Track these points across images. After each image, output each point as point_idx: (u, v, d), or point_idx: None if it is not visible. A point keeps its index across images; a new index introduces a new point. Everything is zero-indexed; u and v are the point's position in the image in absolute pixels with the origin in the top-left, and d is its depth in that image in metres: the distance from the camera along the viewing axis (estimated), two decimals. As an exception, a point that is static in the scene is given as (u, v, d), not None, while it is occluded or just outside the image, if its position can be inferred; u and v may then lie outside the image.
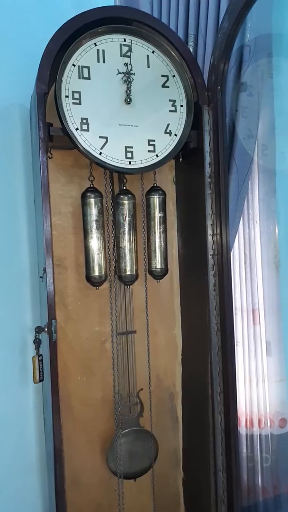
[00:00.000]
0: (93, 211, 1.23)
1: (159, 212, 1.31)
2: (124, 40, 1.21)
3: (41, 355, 1.18)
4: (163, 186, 1.36)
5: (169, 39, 1.24)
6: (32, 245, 1.45)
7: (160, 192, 1.31)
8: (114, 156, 1.19)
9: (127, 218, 1.26)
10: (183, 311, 1.48)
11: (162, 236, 1.31)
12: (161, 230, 1.31)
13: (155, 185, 1.33)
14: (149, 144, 1.23)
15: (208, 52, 1.39)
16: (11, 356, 1.42)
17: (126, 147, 1.21)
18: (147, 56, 1.23)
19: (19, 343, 1.43)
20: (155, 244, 1.30)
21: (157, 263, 1.30)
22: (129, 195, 1.27)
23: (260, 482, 1.58)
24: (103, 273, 1.25)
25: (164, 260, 1.31)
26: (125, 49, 1.21)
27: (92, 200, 1.23)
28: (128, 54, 1.21)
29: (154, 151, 1.23)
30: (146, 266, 1.34)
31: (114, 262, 1.30)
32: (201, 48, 1.46)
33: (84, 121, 1.16)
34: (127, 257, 1.26)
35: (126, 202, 1.26)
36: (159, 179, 1.38)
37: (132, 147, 1.21)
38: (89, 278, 1.25)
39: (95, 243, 1.23)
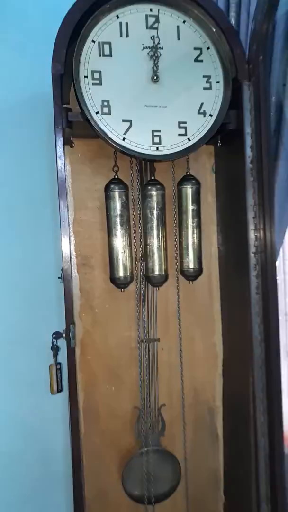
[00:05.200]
0: (117, 205, 1.10)
1: (192, 205, 1.15)
2: (151, 10, 1.07)
3: (59, 363, 1.08)
4: (201, 176, 1.21)
5: (202, 5, 1.08)
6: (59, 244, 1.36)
7: (194, 181, 1.16)
8: (139, 142, 1.06)
9: (155, 212, 1.12)
10: (224, 316, 1.32)
11: (195, 232, 1.15)
12: (194, 224, 1.15)
13: (188, 173, 1.17)
14: (179, 127, 1.08)
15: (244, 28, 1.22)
16: (38, 362, 1.34)
17: (153, 131, 1.07)
18: (177, 27, 1.08)
19: (46, 348, 1.35)
20: (187, 240, 1.15)
21: (190, 262, 1.15)
22: (158, 186, 1.13)
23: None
24: (128, 274, 1.12)
25: (198, 259, 1.16)
26: (151, 20, 1.07)
27: (116, 193, 1.10)
28: (155, 26, 1.07)
29: (185, 134, 1.08)
30: (177, 266, 1.19)
31: (141, 261, 1.17)
32: (244, 19, 1.29)
33: (105, 103, 1.04)
34: (155, 255, 1.13)
35: (154, 193, 1.12)
36: (196, 167, 1.22)
37: (160, 131, 1.07)
38: (113, 279, 1.13)
39: (119, 240, 1.11)
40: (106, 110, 1.04)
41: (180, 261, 1.17)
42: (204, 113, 1.09)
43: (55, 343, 1.06)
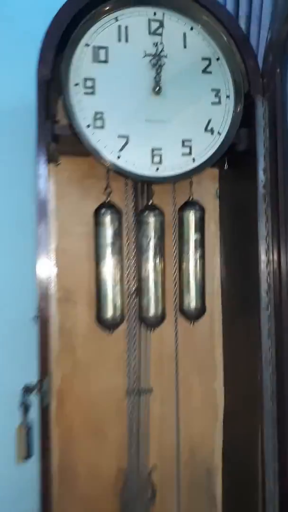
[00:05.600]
0: (108, 232, 0.95)
1: (196, 233, 1.00)
2: (154, 14, 0.94)
3: (29, 425, 0.88)
4: (203, 201, 1.06)
5: (212, 11, 0.95)
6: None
7: (197, 207, 1.01)
8: (136, 161, 0.92)
9: (152, 241, 0.97)
10: (227, 362, 1.15)
11: (198, 265, 1.00)
12: (198, 256, 1.00)
13: (191, 199, 1.03)
14: (183, 145, 0.94)
15: (264, 36, 1.10)
16: (9, 421, 1.10)
17: (153, 149, 0.93)
18: (184, 34, 0.96)
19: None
20: (188, 275, 0.99)
21: (192, 300, 0.99)
22: (156, 211, 0.98)
23: None
24: (118, 314, 0.95)
25: (201, 295, 1.00)
26: (154, 25, 0.94)
27: (108, 219, 0.95)
28: (159, 31, 0.94)
29: (190, 153, 0.94)
30: (177, 303, 1.03)
31: (135, 297, 1.01)
32: (255, 32, 1.17)
33: (99, 115, 0.90)
34: (151, 291, 0.97)
35: (151, 220, 0.97)
36: (198, 192, 1.08)
37: (160, 149, 0.93)
38: (101, 319, 0.96)
39: (109, 273, 0.95)
40: (99, 123, 0.90)
41: (180, 299, 1.02)
42: (211, 131, 0.96)
43: (25, 399, 0.86)
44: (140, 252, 0.98)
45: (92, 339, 1.06)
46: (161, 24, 0.94)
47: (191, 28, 0.96)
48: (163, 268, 0.98)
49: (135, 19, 0.93)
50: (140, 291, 0.98)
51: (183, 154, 0.94)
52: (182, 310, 1.01)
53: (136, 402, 1.04)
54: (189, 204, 1.02)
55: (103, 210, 0.95)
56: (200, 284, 1.00)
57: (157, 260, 0.97)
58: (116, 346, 1.05)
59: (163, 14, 0.94)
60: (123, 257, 0.98)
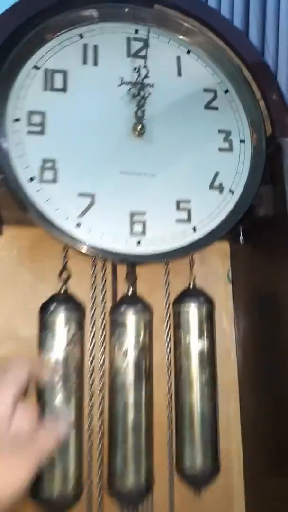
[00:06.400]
0: (60, 341, 0.60)
1: (201, 340, 0.65)
2: (136, 31, 0.68)
3: None
4: (210, 288, 0.72)
5: (216, 29, 0.69)
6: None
7: (202, 298, 0.67)
8: (107, 230, 0.59)
9: (131, 354, 0.61)
10: None
11: (206, 393, 0.63)
12: (205, 378, 0.64)
13: (192, 286, 0.69)
14: (178, 208, 0.63)
15: (283, 64, 0.83)
16: None
17: (132, 214, 0.61)
18: (178, 58, 0.68)
19: None
20: (190, 411, 0.62)
21: (196, 455, 0.61)
22: (139, 306, 0.63)
23: None
24: (71, 486, 0.56)
25: (211, 447, 0.62)
26: (136, 45, 0.67)
27: (60, 319, 0.60)
28: (142, 53, 0.67)
29: (188, 220, 0.62)
30: (172, 462, 0.64)
31: (100, 458, 0.62)
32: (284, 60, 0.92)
33: (49, 164, 0.59)
34: (129, 443, 0.58)
35: (131, 319, 0.62)
36: (202, 273, 0.75)
37: (144, 213, 0.61)
38: (40, 498, 0.56)
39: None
40: (49, 175, 0.59)
41: (177, 453, 0.63)
42: (220, 188, 0.65)
43: None
44: (113, 373, 0.62)
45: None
46: (146, 44, 0.67)
47: (188, 51, 0.69)
48: (148, 399, 0.61)
49: (108, 36, 0.66)
50: (111, 444, 0.60)
51: (179, 221, 0.62)
52: (180, 471, 0.63)
53: None
54: (190, 294, 0.67)
55: (52, 306, 0.61)
56: (209, 427, 0.62)
57: (140, 387, 0.61)
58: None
59: (148, 31, 0.67)
60: (83, 382, 0.62)
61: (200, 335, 0.65)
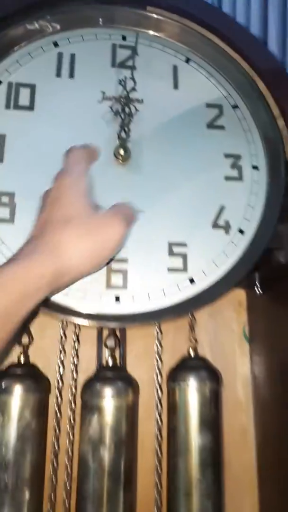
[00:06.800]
0: (10, 431, 0.45)
1: (202, 433, 0.48)
2: (123, 38, 0.56)
3: None
4: (220, 348, 0.57)
5: (225, 34, 0.56)
6: None
7: (205, 371, 0.51)
8: (74, 284, 0.45)
9: (106, 449, 0.45)
10: None
11: (206, 505, 0.46)
12: (206, 485, 0.47)
13: (193, 352, 0.53)
14: (171, 253, 0.48)
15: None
16: None
17: (109, 262, 0.47)
18: (174, 67, 0.56)
19: None
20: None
21: None
22: (119, 384, 0.48)
23: None
24: None
25: None
26: (123, 53, 0.55)
27: (14, 401, 0.46)
28: (129, 62, 0.54)
29: (184, 269, 0.48)
30: None
31: None
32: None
33: (4, 199, 0.47)
34: None
35: (108, 403, 0.47)
36: (211, 328, 0.60)
37: (125, 260, 0.47)
38: None
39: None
40: (4, 213, 0.47)
41: None
42: (226, 227, 0.50)
43: None
44: (81, 475, 0.46)
45: None
46: (134, 52, 0.55)
47: (187, 60, 0.56)
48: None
49: (89, 44, 0.55)
50: None
51: (171, 270, 0.48)
52: None
53: None
54: (189, 366, 0.52)
55: (5, 382, 0.46)
56: None
57: (117, 497, 0.45)
58: None
59: (137, 36, 0.55)
60: (41, 491, 0.46)
61: (202, 425, 0.48)
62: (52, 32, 0.54)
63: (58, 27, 0.54)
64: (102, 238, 0.37)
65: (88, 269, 0.37)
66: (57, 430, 0.50)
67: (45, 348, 0.52)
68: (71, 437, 0.50)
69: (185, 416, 0.48)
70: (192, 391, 0.49)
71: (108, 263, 0.43)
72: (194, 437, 0.47)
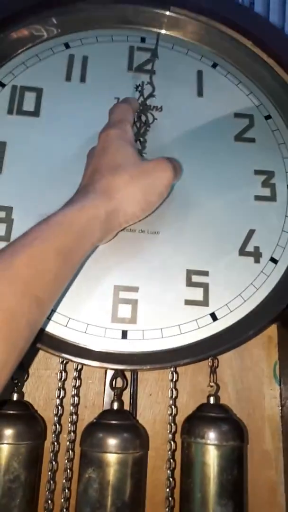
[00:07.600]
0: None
1: (222, 500, 0.40)
2: (142, 40, 0.50)
3: None
4: (248, 391, 0.49)
5: (259, 38, 0.50)
6: None
7: (227, 425, 0.43)
8: (74, 315, 0.39)
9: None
10: None
11: None
12: None
13: (213, 400, 0.45)
14: (190, 284, 0.41)
15: None
16: None
17: (116, 289, 0.40)
18: (199, 73, 0.50)
19: None
20: None
21: None
22: (125, 434, 0.40)
23: None
24: None
25: None
26: (141, 56, 0.49)
27: (3, 446, 0.39)
28: (148, 66, 0.49)
29: (204, 303, 0.41)
30: None
31: None
32: None
33: (1, 214, 0.41)
34: None
35: (111, 456, 0.39)
36: (237, 368, 0.51)
37: (137, 289, 0.40)
38: None
39: None
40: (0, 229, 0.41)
41: None
42: (256, 255, 0.43)
43: None
44: None
45: None
46: (154, 55, 0.49)
47: (214, 65, 0.50)
48: None
49: (105, 46, 0.49)
50: None
51: (189, 303, 0.41)
52: None
53: None
54: (208, 417, 0.43)
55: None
56: None
57: None
58: None
59: (158, 37, 0.49)
60: None
61: (222, 490, 0.40)
62: (62, 33, 0.49)
63: (68, 28, 0.49)
64: (152, 182, 0.38)
65: (138, 212, 0.38)
66: (52, 483, 0.42)
67: (43, 383, 0.45)
68: (66, 493, 0.42)
69: (202, 479, 0.40)
70: (211, 450, 0.40)
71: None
72: (212, 505, 0.39)
